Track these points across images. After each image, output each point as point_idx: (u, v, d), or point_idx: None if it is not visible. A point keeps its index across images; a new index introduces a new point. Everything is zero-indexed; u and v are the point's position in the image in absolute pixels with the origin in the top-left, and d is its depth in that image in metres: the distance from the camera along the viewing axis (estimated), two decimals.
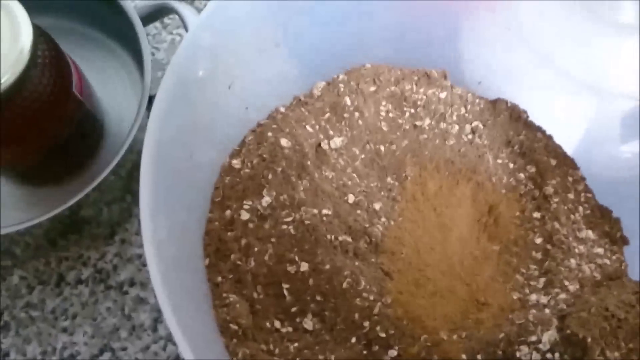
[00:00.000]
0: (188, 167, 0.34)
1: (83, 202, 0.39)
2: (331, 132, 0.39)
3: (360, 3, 0.39)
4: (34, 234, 0.41)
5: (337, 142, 0.39)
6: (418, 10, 0.41)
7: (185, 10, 0.40)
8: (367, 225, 0.36)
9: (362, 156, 0.39)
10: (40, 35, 0.36)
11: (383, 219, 0.37)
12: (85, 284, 0.43)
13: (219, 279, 0.33)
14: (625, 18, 0.39)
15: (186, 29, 0.41)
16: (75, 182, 0.43)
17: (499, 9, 0.40)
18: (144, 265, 0.43)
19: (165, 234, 0.30)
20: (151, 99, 0.40)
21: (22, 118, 0.36)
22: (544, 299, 0.34)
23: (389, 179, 0.39)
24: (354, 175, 0.39)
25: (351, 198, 0.37)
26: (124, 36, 0.43)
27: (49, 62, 0.36)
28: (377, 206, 0.38)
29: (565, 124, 0.42)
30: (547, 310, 0.34)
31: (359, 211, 0.37)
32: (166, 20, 0.49)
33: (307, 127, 0.39)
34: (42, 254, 0.43)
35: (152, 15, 0.42)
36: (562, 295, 0.34)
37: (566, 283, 0.35)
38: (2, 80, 0.33)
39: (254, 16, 0.35)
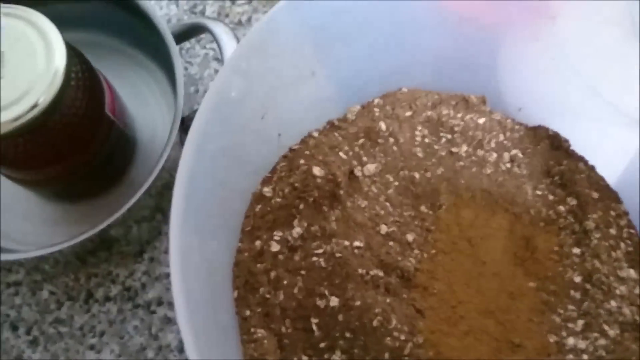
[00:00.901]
0: (220, 194, 0.33)
1: (112, 222, 0.39)
2: (365, 158, 0.38)
3: (400, 29, 0.38)
4: (64, 250, 0.41)
5: (370, 168, 0.38)
6: (458, 35, 0.40)
7: (217, 28, 0.40)
8: (399, 259, 0.35)
9: (396, 183, 0.38)
10: (74, 55, 0.36)
11: (416, 251, 0.36)
12: (113, 302, 0.42)
13: (247, 312, 0.32)
14: None
15: (219, 46, 0.40)
16: (107, 199, 0.43)
17: (544, 37, 0.38)
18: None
19: (194, 266, 0.29)
20: (183, 118, 0.40)
21: (56, 139, 0.36)
22: (582, 344, 0.33)
23: (423, 208, 0.38)
24: (387, 204, 0.38)
25: (384, 229, 0.36)
26: (157, 53, 0.43)
27: (82, 83, 0.36)
28: (410, 237, 0.37)
29: (609, 155, 0.40)
30: (585, 357, 0.32)
31: (391, 243, 0.36)
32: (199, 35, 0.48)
33: (340, 153, 0.38)
34: (71, 270, 0.43)
35: (186, 33, 0.42)
36: (602, 341, 0.33)
37: (606, 327, 0.34)
38: (39, 102, 0.33)
39: (292, 44, 0.35)
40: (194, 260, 0.30)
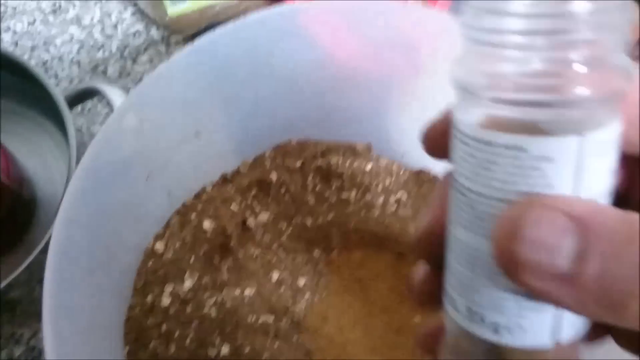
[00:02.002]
0: (106, 258, 0.34)
1: (14, 283, 0.40)
2: (257, 208, 0.40)
3: (293, 86, 0.40)
4: None
5: (263, 218, 0.40)
6: (342, 88, 0.43)
7: (110, 92, 0.41)
8: (290, 303, 0.37)
9: (289, 230, 0.41)
10: None
11: (307, 295, 0.38)
12: None
13: None
14: None
15: (112, 110, 0.42)
16: (7, 261, 0.44)
17: (416, 89, 0.41)
18: None
19: (70, 332, 0.30)
20: None
21: None
22: None
23: (315, 253, 0.40)
24: (280, 250, 0.40)
25: (275, 275, 0.38)
26: (53, 114, 0.44)
27: None
28: (301, 282, 0.39)
29: None
30: None
31: (282, 289, 0.38)
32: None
33: (233, 205, 0.39)
34: None
35: (79, 97, 0.43)
36: None
37: None
38: None
39: (175, 104, 0.36)
40: (68, 322, 0.30)
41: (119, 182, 0.34)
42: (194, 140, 0.38)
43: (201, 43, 0.37)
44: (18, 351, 0.43)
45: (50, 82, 0.40)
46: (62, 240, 0.30)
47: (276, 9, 0.38)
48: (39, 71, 0.41)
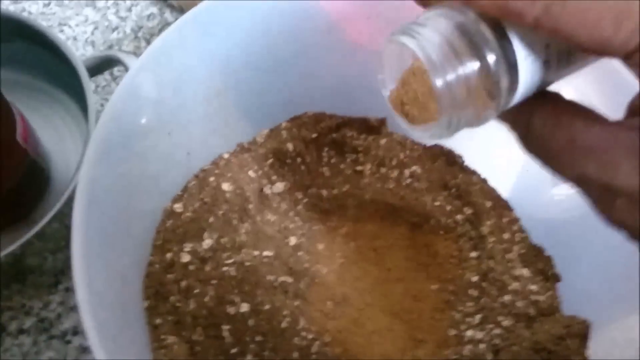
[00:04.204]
0: (128, 214, 0.34)
1: (27, 251, 0.40)
2: (274, 177, 0.40)
3: (305, 56, 0.41)
4: None
5: (279, 186, 0.40)
6: (358, 62, 0.43)
7: (131, 61, 0.42)
8: (307, 266, 0.37)
9: (305, 200, 0.41)
10: None
11: (325, 260, 0.38)
12: (27, 334, 0.42)
13: (158, 320, 0.33)
14: None
15: None
16: (19, 231, 0.43)
17: None
18: None
19: (101, 282, 0.30)
20: None
21: None
22: (479, 335, 0.35)
23: (331, 222, 0.40)
24: (297, 218, 0.40)
25: (293, 240, 0.38)
26: (71, 87, 0.44)
27: None
28: (318, 248, 0.38)
29: (499, 168, 0.43)
30: (482, 346, 0.35)
31: (300, 253, 0.38)
32: (116, 72, 0.50)
33: (250, 172, 0.40)
34: None
35: (99, 67, 0.43)
36: (497, 331, 0.35)
37: (500, 319, 0.36)
38: None
39: (194, 64, 0.36)
40: (100, 278, 0.30)
41: (140, 139, 0.34)
42: (212, 102, 0.38)
43: (215, 4, 0.37)
44: (28, 322, 0.42)
45: (70, 49, 0.41)
46: (85, 199, 0.30)
47: None
48: (58, 38, 0.41)
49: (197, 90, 0.37)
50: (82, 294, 0.28)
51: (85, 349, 0.42)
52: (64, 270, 0.44)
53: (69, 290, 0.43)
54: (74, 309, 0.43)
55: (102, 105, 0.49)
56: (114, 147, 0.33)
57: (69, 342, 0.42)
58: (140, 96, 0.34)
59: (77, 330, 0.42)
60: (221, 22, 0.37)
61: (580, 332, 0.34)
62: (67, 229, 0.42)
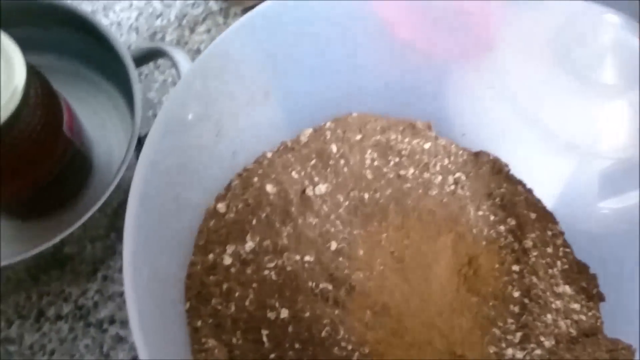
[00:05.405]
0: (174, 210, 0.34)
1: (67, 239, 0.40)
2: (316, 179, 0.40)
3: (352, 57, 0.40)
4: (16, 268, 0.41)
5: (321, 188, 0.40)
6: (404, 63, 0.42)
7: (177, 54, 0.41)
8: (348, 273, 0.37)
9: (346, 203, 0.40)
10: (33, 74, 0.36)
11: (365, 267, 0.38)
12: (65, 320, 0.42)
13: (199, 323, 0.33)
14: (608, 80, 0.40)
15: (178, 72, 0.42)
16: (61, 218, 0.44)
17: (484, 67, 0.41)
18: (125, 303, 0.43)
19: (146, 278, 0.30)
20: (140, 140, 0.41)
21: (12, 156, 0.36)
22: (519, 354, 0.35)
23: (371, 227, 0.40)
24: (338, 222, 0.39)
25: (334, 245, 0.38)
26: (116, 76, 0.44)
27: (40, 102, 0.36)
28: (359, 253, 0.38)
29: (546, 179, 0.43)
30: None
31: (341, 258, 0.37)
32: (159, 61, 0.50)
33: (293, 173, 0.39)
34: (23, 288, 0.43)
35: (145, 58, 0.43)
36: (538, 351, 0.35)
37: (542, 339, 0.35)
38: None
39: (246, 65, 0.36)
40: (145, 274, 0.30)
41: (188, 142, 0.34)
42: (260, 102, 0.38)
43: (268, 8, 0.37)
44: (66, 309, 0.43)
45: (118, 40, 0.40)
46: (140, 193, 0.31)
47: None
48: (106, 28, 0.41)
49: (248, 90, 0.37)
50: (130, 293, 0.28)
51: (121, 339, 0.42)
52: (102, 259, 0.44)
53: (107, 279, 0.44)
54: (111, 297, 0.43)
55: (144, 94, 0.49)
56: (167, 144, 0.33)
57: (105, 330, 0.42)
58: (193, 96, 0.34)
59: (113, 319, 0.42)
60: (274, 24, 0.36)
61: (625, 359, 0.33)
62: (107, 217, 0.42)
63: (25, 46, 0.36)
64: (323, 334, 0.33)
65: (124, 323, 0.42)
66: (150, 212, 0.31)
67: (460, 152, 0.44)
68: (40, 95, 0.36)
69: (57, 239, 0.37)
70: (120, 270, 0.44)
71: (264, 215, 0.36)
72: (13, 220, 0.44)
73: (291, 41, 0.38)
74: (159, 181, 0.33)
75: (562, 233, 0.42)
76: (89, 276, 0.44)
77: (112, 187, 0.38)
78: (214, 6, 0.52)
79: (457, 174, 0.43)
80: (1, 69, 0.35)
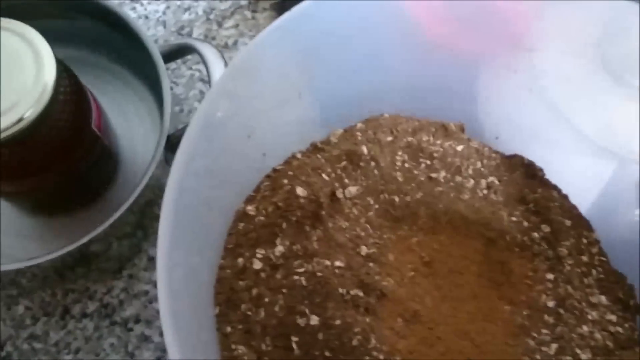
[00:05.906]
0: (204, 212, 0.34)
1: (94, 237, 0.39)
2: (346, 181, 0.39)
3: (382, 57, 0.39)
4: (42, 265, 0.41)
5: (352, 190, 0.39)
6: (436, 63, 0.41)
7: (206, 50, 0.41)
8: (379, 279, 0.36)
9: (377, 206, 0.39)
10: (63, 70, 0.36)
11: (395, 273, 0.37)
12: (90, 318, 0.42)
13: (228, 329, 0.32)
14: None
15: (206, 68, 0.41)
16: (88, 214, 0.43)
17: (521, 69, 0.40)
18: (150, 302, 0.43)
19: (179, 279, 0.30)
20: (168, 138, 0.40)
21: (41, 151, 0.36)
22: None
23: (402, 231, 0.39)
24: (367, 225, 0.38)
25: (364, 250, 0.37)
26: (144, 71, 0.43)
27: (70, 98, 0.36)
28: (389, 259, 0.37)
29: (582, 184, 0.41)
30: None
31: (371, 264, 0.37)
32: (187, 55, 0.49)
33: (323, 175, 0.38)
34: (48, 285, 0.43)
35: (174, 54, 0.42)
36: None
37: (578, 351, 0.34)
38: (26, 115, 0.33)
39: (280, 68, 0.35)
40: (178, 275, 0.30)
41: (221, 143, 0.34)
42: (293, 103, 0.37)
43: (304, 9, 0.36)
44: (92, 307, 0.42)
45: (146, 35, 0.40)
46: (174, 199, 0.30)
47: None
48: (134, 21, 0.40)
49: (282, 91, 0.36)
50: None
51: (146, 338, 0.42)
52: (128, 257, 0.43)
53: (133, 277, 0.43)
54: (137, 296, 0.43)
55: (171, 88, 0.48)
56: (200, 146, 0.32)
57: (130, 329, 0.42)
58: (226, 99, 0.33)
59: (139, 319, 0.42)
60: (309, 25, 0.35)
61: None
62: (134, 215, 0.42)
63: (51, 38, 0.35)
64: (354, 342, 0.33)
65: (149, 322, 0.42)
66: (184, 213, 0.31)
67: (494, 155, 0.43)
68: (69, 92, 0.36)
69: (83, 241, 0.37)
70: (146, 268, 0.44)
71: (294, 219, 0.35)
72: (39, 217, 0.43)
73: (324, 41, 0.37)
74: (192, 183, 0.32)
75: (598, 241, 0.41)
76: (114, 274, 0.43)
77: (141, 186, 0.38)
78: (242, 1, 0.51)
79: (490, 178, 0.42)
80: (31, 64, 0.34)
